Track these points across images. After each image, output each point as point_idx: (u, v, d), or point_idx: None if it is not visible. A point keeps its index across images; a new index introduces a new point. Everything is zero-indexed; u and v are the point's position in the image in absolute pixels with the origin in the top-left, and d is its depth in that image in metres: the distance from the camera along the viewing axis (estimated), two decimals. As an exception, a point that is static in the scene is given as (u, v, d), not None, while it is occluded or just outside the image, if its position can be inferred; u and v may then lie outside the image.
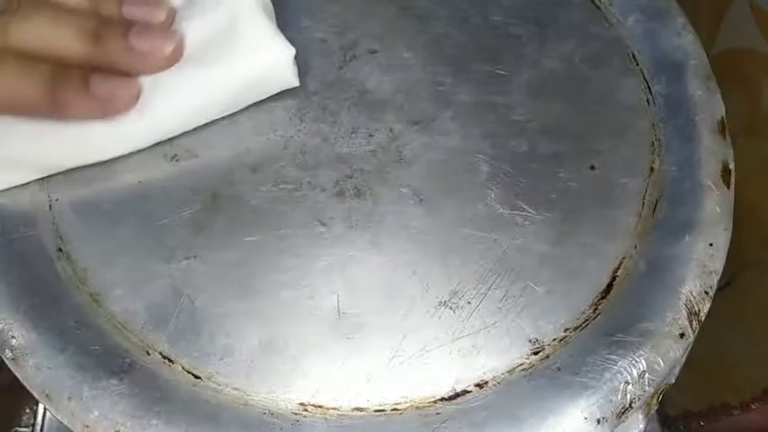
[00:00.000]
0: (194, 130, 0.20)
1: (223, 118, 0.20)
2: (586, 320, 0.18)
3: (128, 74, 0.18)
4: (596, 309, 0.18)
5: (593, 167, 0.21)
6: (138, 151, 0.19)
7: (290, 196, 0.20)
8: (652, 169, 0.21)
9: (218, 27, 0.19)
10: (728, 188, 0.20)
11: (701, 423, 0.28)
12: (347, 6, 0.23)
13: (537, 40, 0.23)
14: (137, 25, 0.18)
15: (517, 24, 0.23)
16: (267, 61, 0.19)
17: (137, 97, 0.18)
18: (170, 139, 0.20)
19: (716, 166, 0.20)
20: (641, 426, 0.17)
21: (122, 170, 0.19)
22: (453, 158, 0.21)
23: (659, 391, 0.17)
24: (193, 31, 0.19)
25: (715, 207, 0.20)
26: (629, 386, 0.17)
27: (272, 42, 0.19)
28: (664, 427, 0.30)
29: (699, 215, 0.19)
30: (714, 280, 0.18)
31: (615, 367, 0.17)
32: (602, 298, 0.18)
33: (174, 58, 0.18)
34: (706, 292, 0.18)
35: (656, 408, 0.17)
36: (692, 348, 0.17)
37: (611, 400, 0.16)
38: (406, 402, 0.16)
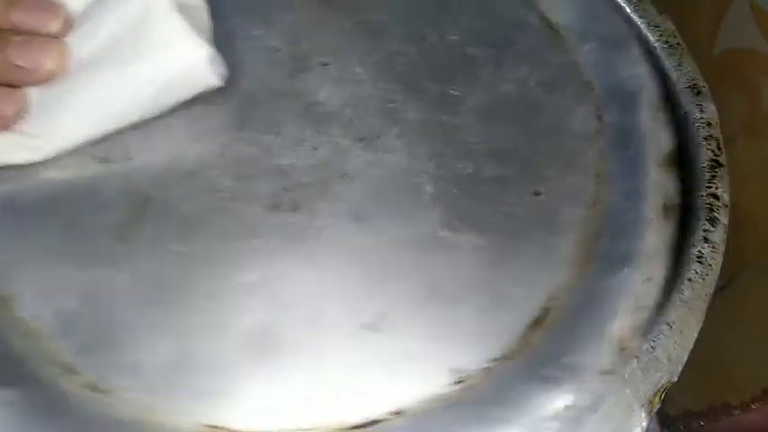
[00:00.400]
0: (127, 131, 0.19)
1: (159, 120, 0.20)
2: (513, 351, 0.17)
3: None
4: (524, 339, 0.17)
5: (538, 193, 0.20)
6: (66, 150, 0.19)
7: (222, 206, 0.19)
8: (596, 199, 0.21)
9: (130, 24, 0.18)
10: (669, 222, 0.20)
11: (701, 423, 0.27)
12: (303, 18, 0.23)
13: (493, 63, 0.23)
14: (17, 37, 0.17)
15: (474, 45, 0.23)
16: (180, 61, 0.18)
17: (24, 110, 0.17)
18: (101, 140, 0.19)
19: (659, 199, 0.20)
20: (644, 424, 0.16)
21: (46, 168, 0.19)
22: (397, 177, 0.20)
23: (662, 390, 0.16)
24: (104, 28, 0.18)
25: (656, 241, 0.19)
26: (553, 422, 0.16)
27: (185, 41, 0.18)
28: (663, 427, 0.29)
29: (639, 248, 0.19)
30: (646, 315, 0.18)
31: (538, 401, 0.16)
32: (532, 329, 0.18)
33: (59, 71, 0.17)
34: (637, 328, 0.17)
35: (658, 406, 0.16)
36: (692, 348, 0.17)
37: (533, 436, 0.16)
38: (316, 430, 0.16)
